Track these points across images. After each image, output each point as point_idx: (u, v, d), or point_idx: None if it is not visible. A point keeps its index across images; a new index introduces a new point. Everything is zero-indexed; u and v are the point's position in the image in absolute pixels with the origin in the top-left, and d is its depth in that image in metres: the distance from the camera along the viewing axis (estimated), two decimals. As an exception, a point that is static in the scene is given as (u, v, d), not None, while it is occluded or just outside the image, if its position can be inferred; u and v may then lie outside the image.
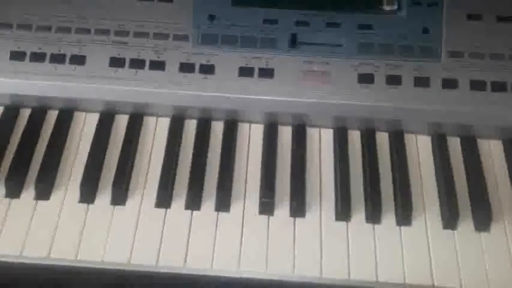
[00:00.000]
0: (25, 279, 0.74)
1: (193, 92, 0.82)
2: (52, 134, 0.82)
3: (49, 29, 0.84)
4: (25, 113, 0.85)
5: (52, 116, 0.85)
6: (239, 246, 0.74)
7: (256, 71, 0.82)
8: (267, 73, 0.82)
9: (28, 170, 0.79)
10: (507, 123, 0.82)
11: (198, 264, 0.72)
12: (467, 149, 0.83)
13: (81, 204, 0.76)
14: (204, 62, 0.83)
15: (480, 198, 0.78)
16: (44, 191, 0.77)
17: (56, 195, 0.77)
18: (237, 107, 0.83)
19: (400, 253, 0.74)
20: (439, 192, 0.79)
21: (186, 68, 0.83)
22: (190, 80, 0.82)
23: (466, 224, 0.76)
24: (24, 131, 0.83)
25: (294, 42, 0.83)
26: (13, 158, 0.80)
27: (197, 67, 0.83)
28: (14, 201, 0.77)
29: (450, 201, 0.77)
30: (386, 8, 0.86)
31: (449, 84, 0.82)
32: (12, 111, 0.85)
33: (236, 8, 0.85)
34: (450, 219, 0.76)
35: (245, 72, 0.82)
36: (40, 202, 0.77)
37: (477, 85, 0.82)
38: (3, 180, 0.77)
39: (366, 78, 0.82)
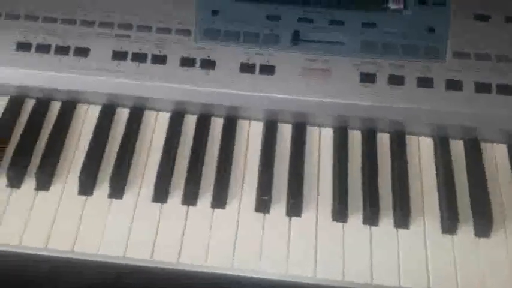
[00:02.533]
0: (23, 269, 0.75)
1: (194, 87, 0.81)
2: (54, 126, 0.83)
3: (55, 20, 0.85)
4: (29, 104, 0.85)
5: (55, 107, 0.85)
6: (233, 243, 0.73)
7: (258, 68, 0.82)
8: (268, 70, 0.81)
9: (30, 161, 0.80)
10: (512, 126, 0.80)
11: (191, 260, 0.72)
12: (470, 152, 0.81)
13: (79, 196, 0.77)
14: (205, 57, 0.82)
15: (481, 204, 0.76)
16: (44, 182, 0.78)
17: (55, 186, 0.78)
18: (237, 103, 0.82)
19: (397, 256, 0.73)
20: (439, 195, 0.78)
21: (188, 62, 0.82)
22: (191, 75, 0.82)
23: (466, 230, 0.75)
24: (27, 122, 0.83)
25: (296, 39, 0.82)
26: (15, 148, 0.81)
27: (198, 62, 0.82)
28: (15, 191, 0.77)
29: (450, 206, 0.75)
30: (392, 6, 0.84)
31: (454, 85, 0.80)
32: (17, 101, 0.85)
33: (239, 4, 0.84)
34: (449, 224, 0.74)
35: (246, 68, 0.82)
36: (40, 192, 0.77)
37: (482, 87, 0.80)
38: (6, 169, 0.78)
39: (368, 78, 0.81)
